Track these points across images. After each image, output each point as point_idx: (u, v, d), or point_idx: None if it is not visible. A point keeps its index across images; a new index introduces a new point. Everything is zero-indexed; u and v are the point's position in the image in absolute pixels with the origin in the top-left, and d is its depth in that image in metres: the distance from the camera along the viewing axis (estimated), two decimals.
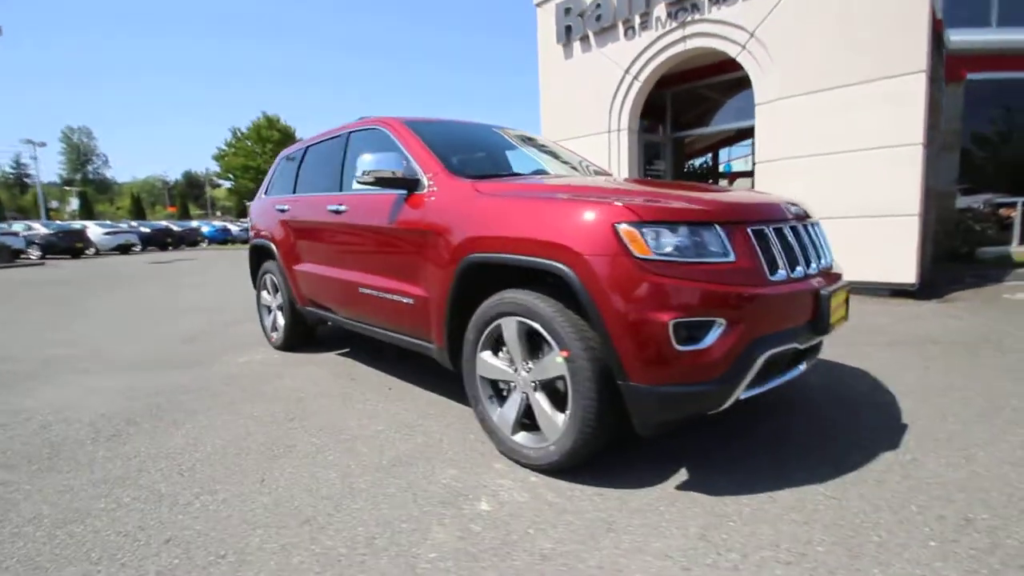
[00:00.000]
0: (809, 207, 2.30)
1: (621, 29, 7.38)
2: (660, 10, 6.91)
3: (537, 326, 1.91)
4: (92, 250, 21.30)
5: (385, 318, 2.76)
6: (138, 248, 23.53)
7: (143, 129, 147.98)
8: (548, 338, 1.88)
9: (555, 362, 1.87)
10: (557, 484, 1.92)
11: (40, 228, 21.07)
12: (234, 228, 33.19)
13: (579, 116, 8.06)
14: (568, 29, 7.94)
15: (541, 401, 1.97)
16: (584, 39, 7.84)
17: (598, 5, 7.47)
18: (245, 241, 32.19)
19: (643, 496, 1.83)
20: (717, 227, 1.75)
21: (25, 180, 66.99)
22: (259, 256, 4.27)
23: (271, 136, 24.03)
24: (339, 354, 3.92)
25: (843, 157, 5.57)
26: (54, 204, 47.41)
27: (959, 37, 8.20)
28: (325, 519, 1.73)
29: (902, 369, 3.12)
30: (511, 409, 2.09)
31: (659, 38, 7.01)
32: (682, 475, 1.96)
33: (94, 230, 22.71)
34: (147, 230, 25.83)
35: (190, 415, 2.73)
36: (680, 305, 1.65)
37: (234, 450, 2.29)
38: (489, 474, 2.02)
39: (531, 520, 1.70)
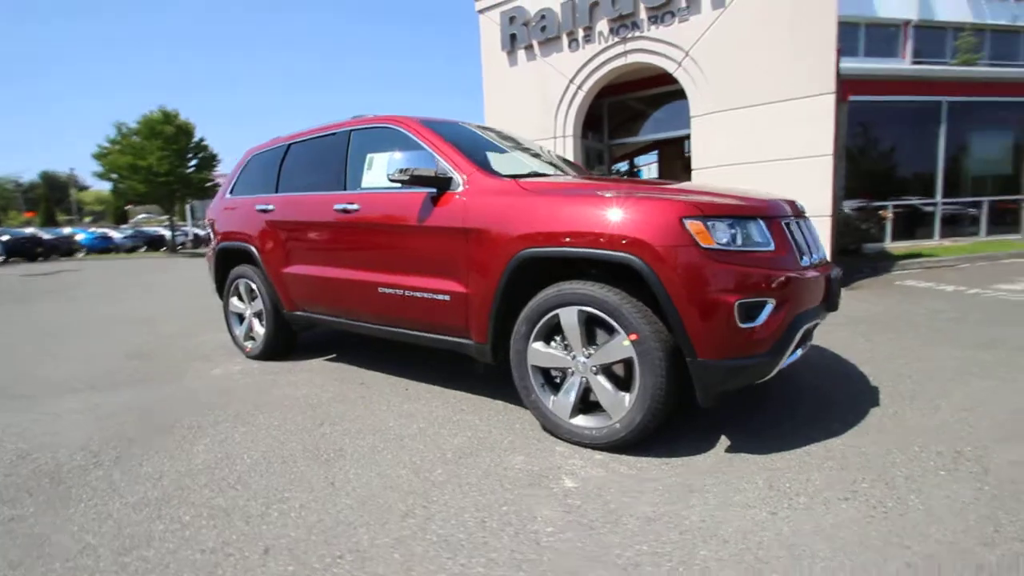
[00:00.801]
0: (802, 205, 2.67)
1: (565, 41, 7.75)
2: (603, 25, 7.36)
3: (600, 313, 2.05)
4: None
5: (412, 316, 2.74)
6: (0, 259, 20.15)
7: None
8: (614, 324, 2.03)
9: (622, 345, 2.02)
10: (623, 459, 2.07)
11: None
12: (116, 234, 29.48)
13: (525, 121, 8.30)
14: (513, 37, 8.17)
15: (604, 383, 2.12)
16: (529, 48, 8.11)
17: (543, 16, 7.78)
18: (132, 249, 28.98)
19: (703, 461, 2.04)
20: (760, 220, 2.01)
21: None
22: (228, 260, 3.97)
23: (164, 131, 21.65)
24: (327, 359, 3.77)
25: (769, 165, 6.32)
26: None
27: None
28: (423, 511, 1.74)
29: (850, 343, 3.67)
30: (569, 394, 2.21)
31: (602, 51, 7.46)
32: (724, 441, 2.20)
33: None
34: (7, 237, 22.13)
35: (197, 430, 2.52)
36: (741, 288, 1.88)
37: (277, 459, 2.18)
38: (555, 457, 2.12)
39: (619, 490, 1.84)
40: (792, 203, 2.47)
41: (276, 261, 3.48)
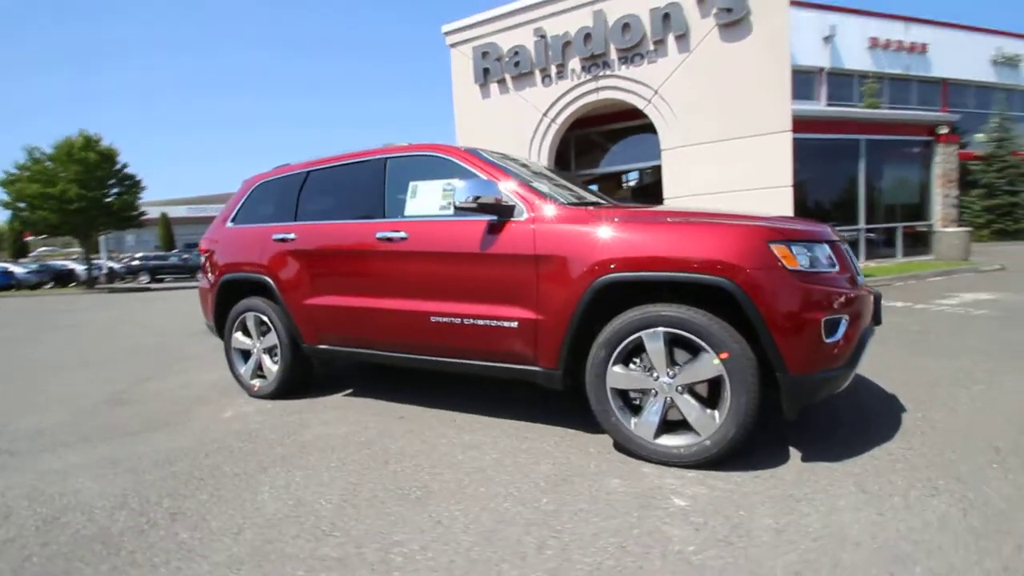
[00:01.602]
0: None
1: (538, 76, 8.09)
2: (575, 63, 7.77)
3: (687, 334, 2.14)
4: None
5: (470, 345, 2.70)
6: None
7: None
8: (702, 344, 2.12)
9: (712, 364, 2.11)
10: (715, 475, 2.13)
11: None
12: (18, 269, 26.41)
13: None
14: (486, 71, 8.41)
15: (691, 401, 2.19)
16: (502, 82, 8.38)
17: (516, 53, 8.09)
18: (36, 286, 25.94)
19: (787, 472, 2.14)
20: (825, 244, 2.21)
21: None
22: (232, 294, 3.72)
23: (86, 158, 19.91)
24: (346, 395, 3.59)
25: (736, 195, 6.85)
26: None
27: None
28: (556, 542, 1.70)
29: None
30: (652, 414, 2.26)
31: (574, 87, 7.85)
32: (795, 453, 2.32)
33: None
34: None
35: (247, 478, 2.32)
36: (824, 306, 2.04)
37: (362, 501, 2.05)
38: (648, 477, 2.14)
39: (731, 505, 1.89)
40: (834, 229, 2.71)
41: (298, 292, 3.31)
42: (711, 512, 1.85)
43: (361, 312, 3.05)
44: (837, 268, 2.19)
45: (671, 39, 6.90)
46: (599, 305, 2.34)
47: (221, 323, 3.80)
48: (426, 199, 2.92)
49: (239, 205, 3.85)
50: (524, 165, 3.42)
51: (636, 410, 2.34)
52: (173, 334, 7.32)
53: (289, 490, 2.18)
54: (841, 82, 17.70)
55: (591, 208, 2.54)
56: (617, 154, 9.32)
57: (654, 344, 2.21)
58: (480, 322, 2.63)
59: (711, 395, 2.19)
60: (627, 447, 2.34)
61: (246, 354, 3.72)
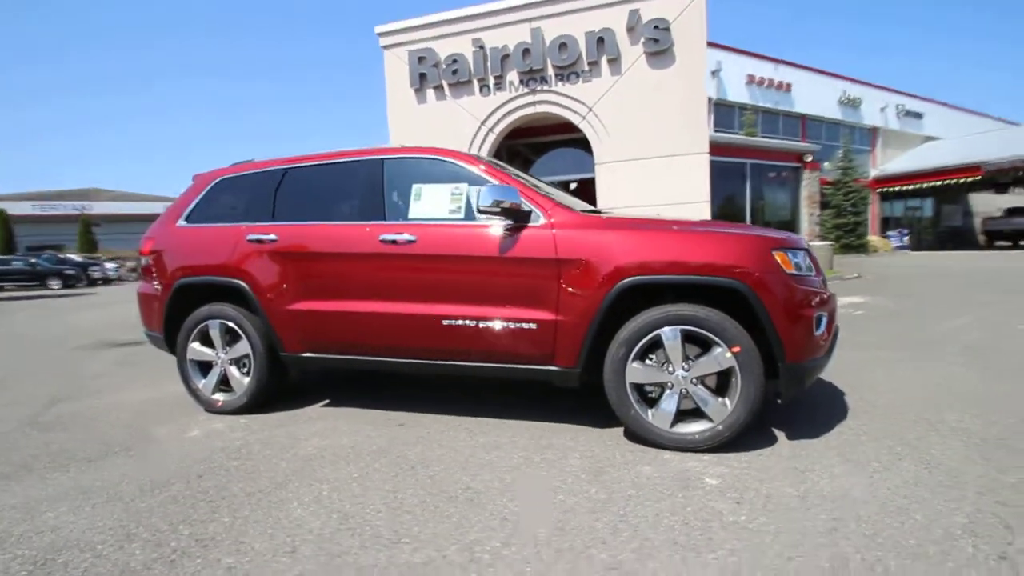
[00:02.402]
0: None
1: (477, 86, 8.21)
2: (513, 76, 8.01)
3: (702, 330, 2.39)
4: None
5: (484, 347, 2.73)
6: None
7: None
8: (715, 339, 2.38)
9: (725, 357, 2.38)
10: (727, 457, 2.39)
11: None
12: None
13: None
14: (423, 76, 8.35)
15: (703, 393, 2.44)
16: (439, 88, 8.37)
17: (454, 61, 8.14)
18: None
19: (782, 450, 2.46)
20: (806, 252, 2.59)
21: None
22: (188, 300, 3.36)
23: None
24: (324, 406, 3.40)
25: (662, 208, 7.49)
26: None
27: None
28: (626, 524, 1.83)
29: None
30: (669, 405, 2.48)
31: (513, 99, 8.09)
32: (779, 434, 2.67)
33: None
34: None
35: (264, 496, 2.15)
36: (813, 304, 2.40)
37: (413, 506, 2.01)
38: (672, 462, 2.35)
39: (756, 480, 2.15)
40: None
41: (280, 297, 3.09)
42: (741, 487, 2.09)
43: (360, 317, 2.94)
44: (814, 272, 2.58)
45: (604, 61, 7.43)
46: (619, 306, 2.52)
47: (173, 332, 3.40)
48: (432, 202, 2.91)
49: (194, 202, 3.49)
50: (518, 173, 3.53)
51: (651, 402, 2.55)
52: (52, 348, 6.30)
53: (323, 504, 2.07)
54: (725, 112, 20.08)
55: (603, 215, 2.72)
56: (552, 165, 9.74)
57: (672, 340, 2.44)
58: (496, 324, 2.68)
59: (719, 385, 2.46)
60: (644, 436, 2.53)
61: (205, 366, 3.37)
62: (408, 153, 3.05)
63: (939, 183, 21.96)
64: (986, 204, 26.94)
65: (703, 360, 2.43)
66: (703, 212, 7.37)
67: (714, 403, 2.42)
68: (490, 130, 8.20)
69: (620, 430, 2.75)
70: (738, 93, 20.38)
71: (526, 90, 7.89)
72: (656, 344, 2.48)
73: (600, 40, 7.37)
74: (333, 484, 2.24)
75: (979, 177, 20.24)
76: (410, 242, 2.82)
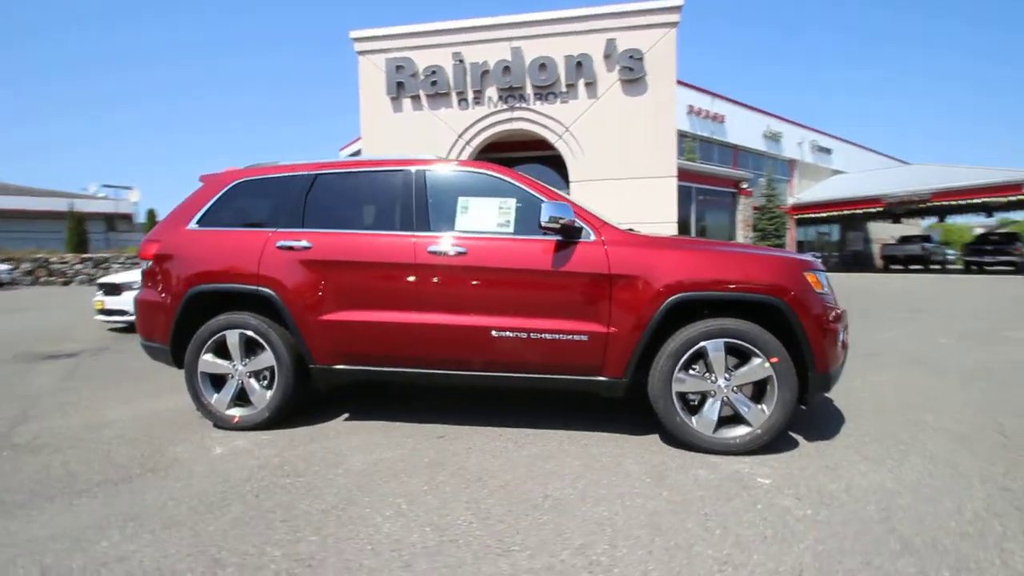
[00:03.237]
0: None
1: (455, 99, 8.27)
2: (492, 92, 8.17)
3: (743, 343, 2.62)
4: None
5: (534, 359, 2.80)
6: None
7: None
8: (755, 350, 2.62)
9: (763, 367, 2.62)
10: (767, 459, 2.61)
11: None
12: None
13: None
14: (400, 85, 8.29)
15: (743, 400, 2.66)
16: (416, 98, 8.35)
17: (433, 72, 8.17)
18: None
19: (807, 449, 2.73)
20: (825, 273, 2.91)
21: None
22: (202, 308, 3.16)
23: None
24: (347, 420, 3.31)
25: (634, 227, 7.90)
26: None
27: None
28: (715, 523, 1.97)
29: None
30: (712, 412, 2.68)
31: (491, 114, 8.23)
32: (797, 434, 2.95)
33: None
34: None
35: (341, 512, 2.10)
36: (836, 319, 2.71)
37: (503, 515, 2.04)
38: (722, 465, 2.54)
39: (801, 479, 2.38)
40: None
41: (313, 307, 2.99)
42: (793, 485, 2.31)
43: (403, 328, 2.91)
44: (831, 291, 2.91)
45: (582, 85, 7.78)
46: (669, 320, 2.70)
47: (182, 343, 3.17)
48: (480, 215, 2.96)
49: (208, 205, 3.30)
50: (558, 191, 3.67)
51: (692, 410, 2.74)
52: None
53: (408, 517, 2.05)
54: None
55: (646, 235, 2.90)
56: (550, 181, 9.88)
57: (716, 352, 2.65)
58: (547, 336, 2.77)
59: (754, 393, 2.70)
60: (688, 442, 2.70)
61: (217, 379, 3.17)
62: (455, 167, 3.09)
63: (846, 212, 24.59)
64: (881, 232, 30.56)
65: (743, 370, 2.65)
66: (671, 232, 7.85)
67: (754, 409, 2.65)
68: (467, 143, 8.28)
69: (655, 436, 2.92)
70: (680, 122, 21.81)
71: (504, 106, 8.07)
72: (698, 355, 2.68)
73: (579, 64, 7.72)
74: (407, 498, 2.22)
75: (880, 208, 22.90)
76: (461, 254, 2.86)
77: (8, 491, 2.34)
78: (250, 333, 3.08)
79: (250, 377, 3.12)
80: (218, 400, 3.14)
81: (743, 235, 16.47)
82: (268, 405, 3.08)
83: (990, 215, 25.17)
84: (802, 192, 27.10)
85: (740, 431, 2.67)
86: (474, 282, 2.87)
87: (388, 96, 8.31)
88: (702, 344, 2.65)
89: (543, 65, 7.84)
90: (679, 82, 22.05)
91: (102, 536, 1.93)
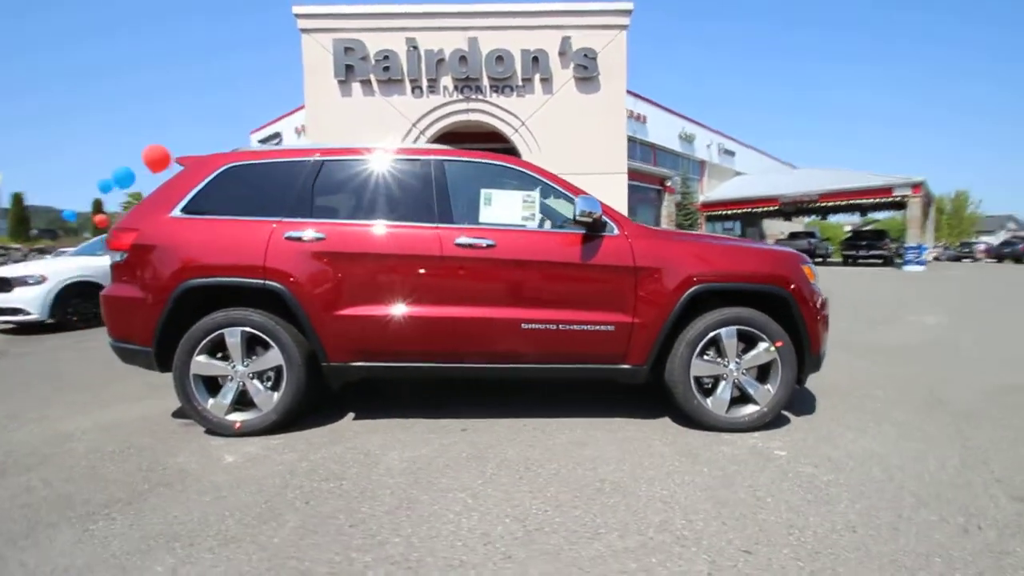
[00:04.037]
0: None
1: (409, 86, 8.02)
2: (448, 81, 8.02)
3: (751, 329, 2.88)
4: None
5: (563, 349, 2.87)
6: None
7: None
8: (762, 335, 2.89)
9: (768, 351, 2.89)
10: (771, 434, 2.89)
11: None
12: None
13: None
14: (349, 68, 7.87)
15: (751, 381, 2.93)
16: (367, 83, 7.98)
17: (386, 57, 7.85)
18: None
19: (803, 425, 3.06)
20: (813, 265, 3.26)
21: None
22: (196, 304, 2.86)
23: None
24: (355, 420, 3.17)
25: None
26: None
27: None
28: (765, 492, 2.18)
29: None
30: (725, 394, 2.91)
31: (446, 104, 8.08)
32: (787, 414, 3.29)
33: None
34: None
35: (408, 512, 2.05)
36: (823, 306, 3.05)
37: (572, 500, 2.11)
38: (737, 442, 2.77)
39: (809, 448, 2.67)
40: None
41: (329, 302, 2.83)
42: (805, 455, 2.59)
43: (430, 321, 2.85)
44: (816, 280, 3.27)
45: (538, 80, 7.88)
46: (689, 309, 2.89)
47: (170, 344, 2.86)
48: (504, 208, 2.96)
49: (195, 191, 2.98)
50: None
51: (705, 392, 2.96)
52: None
53: (480, 511, 2.05)
54: None
55: (662, 229, 3.08)
56: None
57: (729, 339, 2.88)
58: (576, 327, 2.86)
59: (759, 375, 2.98)
60: (702, 422, 2.92)
61: (212, 383, 2.90)
62: (474, 158, 3.05)
63: (748, 210, 27.10)
64: (773, 228, 34.04)
65: (752, 354, 2.92)
66: None
67: (761, 389, 2.92)
68: (421, 132, 8.07)
69: (666, 419, 3.12)
70: None
71: (460, 97, 7.96)
72: (712, 342, 2.91)
73: (535, 59, 7.80)
74: (469, 492, 2.21)
75: (776, 207, 25.51)
76: (490, 247, 2.84)
77: (6, 519, 2.00)
78: (252, 331, 2.84)
79: (252, 378, 2.89)
80: (214, 405, 2.87)
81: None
82: (275, 408, 2.87)
83: (864, 215, 29.02)
84: (711, 191, 29.40)
85: (748, 410, 2.93)
86: (505, 274, 2.87)
87: (336, 79, 7.85)
88: (717, 331, 2.88)
89: (500, 57, 7.84)
90: None
91: (152, 560, 1.73)
